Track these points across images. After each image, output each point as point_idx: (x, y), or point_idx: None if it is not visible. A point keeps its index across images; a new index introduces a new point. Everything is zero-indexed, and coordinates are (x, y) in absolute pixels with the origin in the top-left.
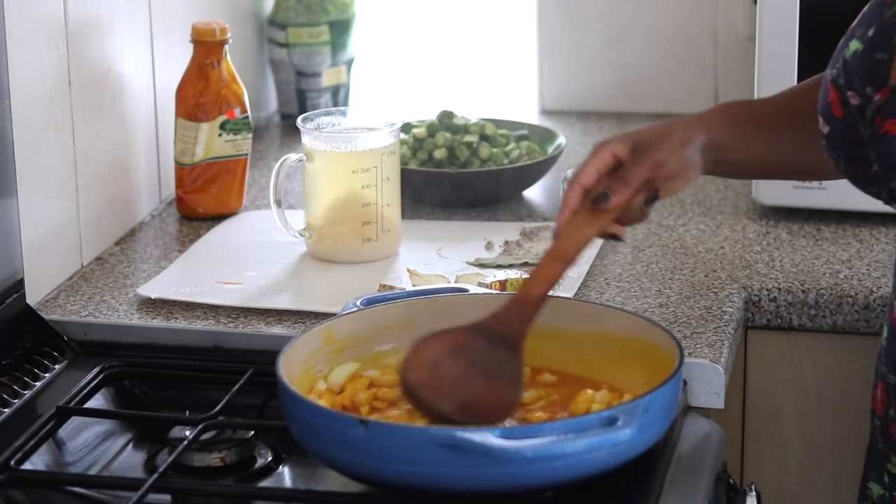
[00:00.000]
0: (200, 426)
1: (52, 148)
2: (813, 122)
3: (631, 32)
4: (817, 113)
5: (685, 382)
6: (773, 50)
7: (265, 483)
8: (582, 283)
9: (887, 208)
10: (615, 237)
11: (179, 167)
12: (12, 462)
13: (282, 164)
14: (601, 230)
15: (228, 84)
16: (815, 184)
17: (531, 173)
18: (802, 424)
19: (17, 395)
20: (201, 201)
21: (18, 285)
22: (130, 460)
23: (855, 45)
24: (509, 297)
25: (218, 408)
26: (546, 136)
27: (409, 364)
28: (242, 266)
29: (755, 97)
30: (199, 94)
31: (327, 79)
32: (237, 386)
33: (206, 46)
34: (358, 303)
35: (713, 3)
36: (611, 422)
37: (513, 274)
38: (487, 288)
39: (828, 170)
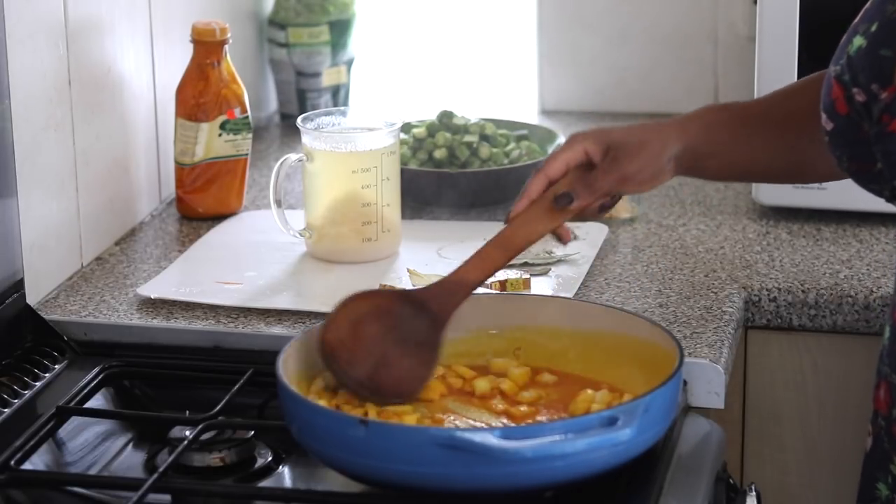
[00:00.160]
0: (200, 426)
1: (52, 148)
2: (795, 124)
3: (631, 33)
4: (800, 118)
5: (685, 382)
6: (773, 50)
7: (265, 483)
8: (582, 283)
9: (888, 208)
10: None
11: (179, 167)
12: (12, 462)
13: (282, 164)
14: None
15: (228, 84)
16: (815, 184)
17: (531, 173)
18: (802, 424)
19: (17, 395)
20: (201, 201)
21: (18, 285)
22: (130, 460)
23: (859, 41)
24: (445, 277)
25: (218, 408)
26: (546, 136)
27: (333, 321)
28: (242, 266)
29: (755, 97)
30: (199, 94)
31: (327, 79)
32: (237, 386)
33: (206, 46)
34: None
35: (713, 3)
36: (611, 422)
37: (513, 274)
38: (487, 288)
39: (809, 173)
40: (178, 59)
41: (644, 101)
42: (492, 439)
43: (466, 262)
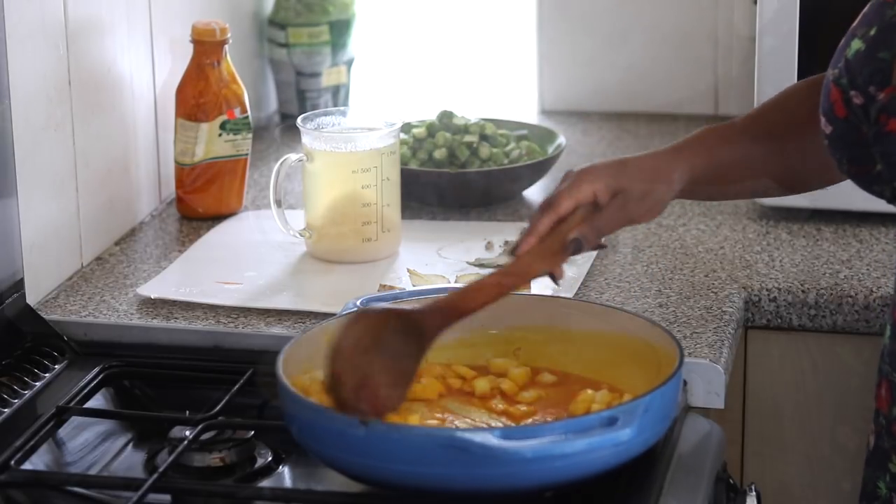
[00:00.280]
0: (200, 426)
1: (52, 148)
2: (785, 134)
3: (631, 33)
4: (797, 124)
5: (685, 382)
6: (773, 50)
7: (265, 483)
8: (582, 283)
9: (888, 208)
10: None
11: (179, 167)
12: (12, 462)
13: (282, 164)
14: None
15: (228, 84)
16: None
17: (531, 173)
18: (802, 424)
19: (17, 395)
20: (201, 201)
21: (18, 285)
22: (130, 460)
23: (857, 44)
24: (441, 298)
25: (218, 408)
26: (546, 136)
27: (345, 332)
28: (242, 266)
29: (755, 97)
30: (199, 94)
31: (327, 79)
32: (237, 386)
33: (206, 46)
34: (358, 303)
35: (713, 3)
36: (611, 422)
37: None
38: None
39: (803, 182)
40: (178, 59)
41: (644, 101)
42: (492, 439)
43: (465, 289)
